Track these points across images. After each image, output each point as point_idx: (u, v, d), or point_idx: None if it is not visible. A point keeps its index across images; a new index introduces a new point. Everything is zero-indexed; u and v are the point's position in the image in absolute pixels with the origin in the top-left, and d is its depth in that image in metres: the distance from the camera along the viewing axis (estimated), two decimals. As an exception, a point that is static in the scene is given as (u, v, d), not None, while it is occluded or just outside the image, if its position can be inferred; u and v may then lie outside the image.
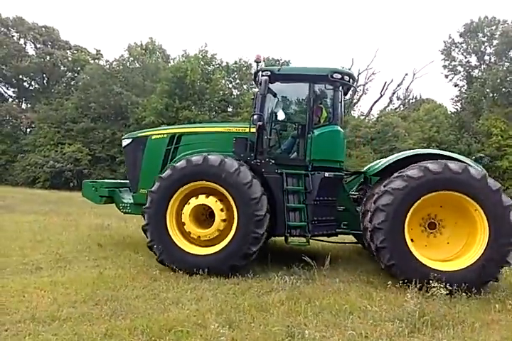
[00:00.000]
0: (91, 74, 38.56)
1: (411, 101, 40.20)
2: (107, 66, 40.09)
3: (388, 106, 38.81)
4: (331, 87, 6.86)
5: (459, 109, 35.25)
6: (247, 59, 41.50)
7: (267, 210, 6.08)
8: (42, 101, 40.81)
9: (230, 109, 37.79)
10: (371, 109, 37.97)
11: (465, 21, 38.47)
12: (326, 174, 6.64)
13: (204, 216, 6.49)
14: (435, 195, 5.79)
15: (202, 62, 39.01)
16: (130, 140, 8.05)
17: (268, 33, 69.51)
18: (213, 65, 40.35)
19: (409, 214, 5.77)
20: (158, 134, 7.71)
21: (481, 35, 34.13)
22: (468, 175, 5.69)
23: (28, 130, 40.52)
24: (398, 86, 39.36)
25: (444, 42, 35.40)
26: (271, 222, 6.30)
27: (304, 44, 66.77)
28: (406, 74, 41.19)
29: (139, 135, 7.97)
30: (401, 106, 38.57)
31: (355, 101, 37.75)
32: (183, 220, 6.30)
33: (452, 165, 5.78)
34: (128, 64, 40.70)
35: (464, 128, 33.00)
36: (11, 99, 45.22)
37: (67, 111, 37.23)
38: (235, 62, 41.08)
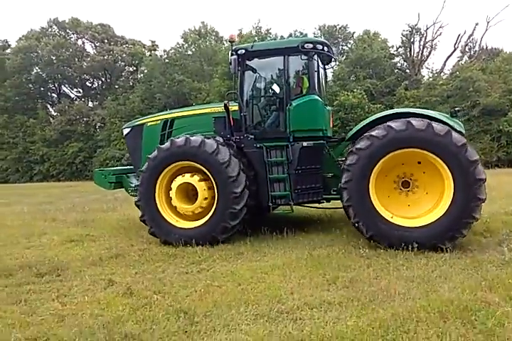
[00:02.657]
0: (151, 65, 39.31)
1: (485, 51, 36.61)
2: (165, 55, 40.49)
3: (461, 60, 35.63)
4: (305, 57, 6.92)
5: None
6: (302, 30, 40.17)
7: (244, 187, 6.43)
8: (109, 97, 42.41)
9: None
10: (444, 64, 35.09)
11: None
12: (305, 143, 6.81)
13: (193, 192, 6.80)
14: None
15: (256, 39, 38.34)
16: (129, 129, 8.55)
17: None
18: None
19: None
20: (153, 121, 8.18)
21: None
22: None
23: (99, 126, 42.25)
24: (469, 37, 35.90)
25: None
26: (256, 194, 6.72)
27: (366, 3, 62.96)
28: (477, 24, 37.28)
29: (136, 123, 8.50)
30: (474, 58, 35.24)
31: (423, 58, 35.09)
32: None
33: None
34: (184, 51, 40.90)
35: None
36: (77, 99, 47.58)
37: (134, 104, 38.40)
38: (290, 35, 39.77)
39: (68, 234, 7.99)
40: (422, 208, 5.99)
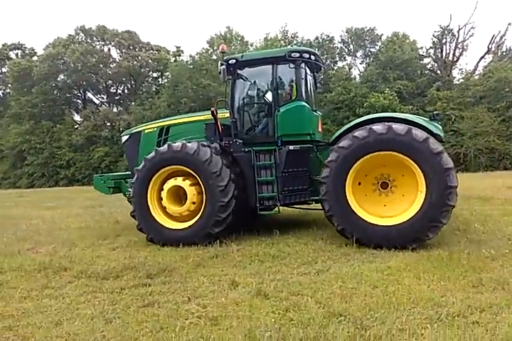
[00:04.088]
0: (177, 70, 39.49)
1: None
2: (190, 61, 40.65)
3: (493, 60, 34.89)
4: (293, 66, 7.20)
5: None
6: (329, 33, 39.99)
7: (232, 197, 6.66)
8: (135, 102, 42.72)
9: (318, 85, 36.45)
10: (477, 65, 34.43)
11: None
12: (291, 147, 7.08)
13: (184, 195, 7.03)
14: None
15: (282, 43, 38.31)
16: (128, 136, 8.87)
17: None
18: (296, 44, 39.29)
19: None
20: (150, 128, 8.51)
21: None
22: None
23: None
24: (502, 38, 35.18)
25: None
26: (244, 196, 6.98)
27: (393, 5, 62.52)
28: (509, 24, 36.54)
29: (134, 131, 8.82)
30: (508, 58, 34.49)
31: (455, 59, 34.50)
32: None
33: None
34: (209, 56, 41.01)
35: None
36: (102, 105, 48.07)
37: (160, 110, 38.49)
38: (316, 38, 39.65)
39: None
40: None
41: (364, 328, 3.31)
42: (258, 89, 7.68)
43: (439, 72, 35.02)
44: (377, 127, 6.04)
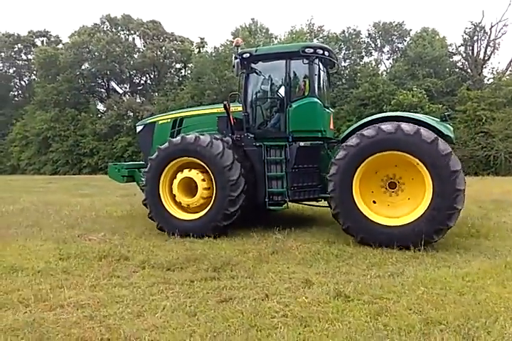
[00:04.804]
0: (201, 62, 39.35)
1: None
2: (215, 52, 40.44)
3: (527, 60, 33.91)
4: (307, 61, 7.16)
5: None
6: (356, 26, 39.30)
7: (241, 192, 6.72)
8: (158, 93, 42.80)
9: (343, 81, 36.06)
10: (510, 64, 33.44)
11: None
12: (302, 143, 7.10)
13: (195, 187, 7.08)
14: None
15: (308, 36, 37.83)
16: (142, 126, 8.98)
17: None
18: (322, 38, 38.86)
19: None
20: (164, 119, 8.60)
21: None
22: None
23: (148, 122, 42.64)
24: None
25: None
26: (253, 190, 7.02)
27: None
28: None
29: (149, 121, 8.93)
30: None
31: (486, 57, 33.61)
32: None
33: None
34: (234, 48, 40.74)
35: None
36: (125, 95, 48.27)
37: (183, 101, 38.47)
38: (343, 32, 39.01)
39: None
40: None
41: (472, 338, 3.15)
42: (271, 83, 7.69)
43: (469, 70, 34.13)
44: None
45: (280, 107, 7.39)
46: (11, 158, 44.47)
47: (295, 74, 7.51)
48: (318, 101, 7.30)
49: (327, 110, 7.78)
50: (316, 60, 7.32)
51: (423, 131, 5.82)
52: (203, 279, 4.70)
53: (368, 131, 6.08)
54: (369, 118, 6.62)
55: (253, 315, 3.66)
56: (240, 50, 7.42)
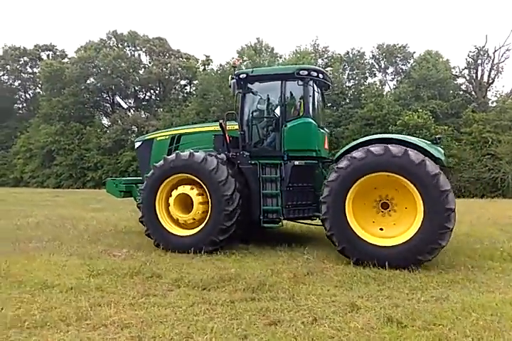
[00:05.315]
0: (207, 79, 39.78)
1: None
2: (220, 70, 40.94)
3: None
4: (301, 83, 7.37)
5: None
6: (360, 48, 39.93)
7: (237, 206, 6.85)
8: (163, 109, 43.06)
9: (347, 101, 36.41)
10: (514, 88, 33.95)
11: None
12: (296, 162, 7.25)
13: (191, 202, 7.18)
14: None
15: (312, 56, 38.39)
16: (140, 142, 9.16)
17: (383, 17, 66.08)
18: (327, 58, 39.44)
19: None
20: (162, 136, 8.78)
21: None
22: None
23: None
24: (538, 60, 34.74)
25: None
26: (248, 207, 7.14)
27: (431, 24, 62.67)
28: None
29: (147, 138, 9.12)
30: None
31: (490, 81, 34.10)
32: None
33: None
34: (239, 66, 41.26)
35: None
36: (130, 110, 48.56)
37: (188, 117, 38.73)
38: (347, 53, 39.63)
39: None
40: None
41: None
42: (267, 103, 7.84)
43: (473, 93, 34.59)
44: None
45: (275, 127, 7.54)
46: (14, 171, 44.28)
47: (290, 95, 7.70)
48: (313, 121, 7.46)
49: (321, 130, 7.93)
50: (311, 82, 7.52)
51: (411, 152, 5.96)
52: (243, 300, 4.58)
53: (357, 154, 6.23)
54: (360, 140, 6.75)
55: (307, 339, 3.54)
56: (236, 71, 7.65)
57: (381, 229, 6.38)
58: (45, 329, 3.73)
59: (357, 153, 6.23)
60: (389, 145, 6.10)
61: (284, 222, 7.55)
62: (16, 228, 9.53)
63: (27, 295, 4.61)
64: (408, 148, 6.05)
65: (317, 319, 4.01)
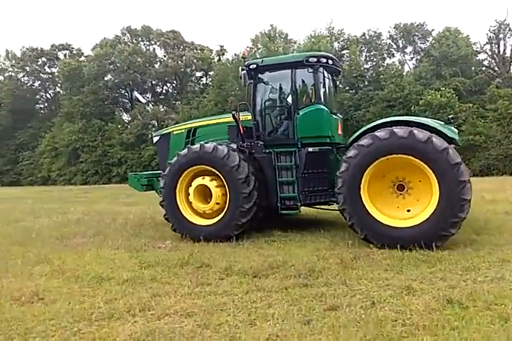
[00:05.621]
0: (223, 69, 39.65)
1: None
2: (235, 59, 40.71)
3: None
4: (311, 70, 7.41)
5: None
6: (376, 29, 39.06)
7: (253, 188, 7.02)
8: (181, 101, 43.23)
9: (366, 83, 35.80)
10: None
11: None
12: (310, 149, 7.36)
13: (209, 193, 7.36)
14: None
15: (328, 39, 37.73)
16: (158, 137, 9.36)
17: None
18: (343, 41, 38.76)
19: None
20: (178, 129, 8.98)
21: None
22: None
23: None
24: None
25: None
26: (265, 196, 7.31)
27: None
28: None
29: (164, 132, 9.33)
30: None
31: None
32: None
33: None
34: (253, 54, 40.93)
35: None
36: (148, 104, 48.92)
37: (207, 108, 38.80)
38: (363, 34, 38.83)
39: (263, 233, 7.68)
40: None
41: None
42: (278, 92, 7.94)
43: (497, 68, 33.55)
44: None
45: (288, 115, 7.61)
46: (41, 170, 45.55)
47: (301, 83, 7.75)
48: (325, 108, 7.52)
49: (334, 116, 7.95)
50: (321, 69, 7.57)
51: (435, 138, 5.97)
52: (296, 286, 4.63)
53: (380, 133, 6.20)
54: (380, 121, 6.77)
55: (371, 323, 3.56)
56: (246, 62, 7.73)
57: (408, 211, 6.39)
58: (112, 321, 3.86)
59: (380, 133, 6.23)
60: (413, 129, 6.08)
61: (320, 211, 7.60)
62: (58, 225, 9.83)
63: (87, 289, 4.79)
64: (414, 128, 6.10)
65: (375, 303, 4.03)
